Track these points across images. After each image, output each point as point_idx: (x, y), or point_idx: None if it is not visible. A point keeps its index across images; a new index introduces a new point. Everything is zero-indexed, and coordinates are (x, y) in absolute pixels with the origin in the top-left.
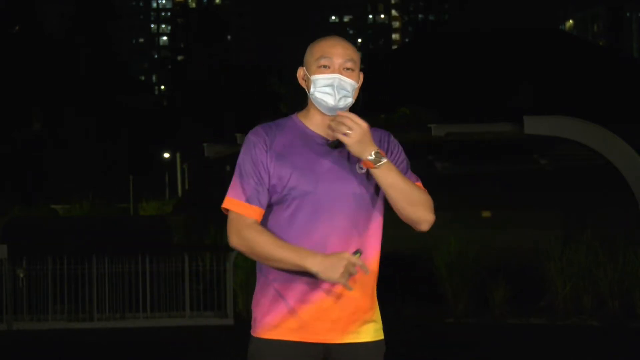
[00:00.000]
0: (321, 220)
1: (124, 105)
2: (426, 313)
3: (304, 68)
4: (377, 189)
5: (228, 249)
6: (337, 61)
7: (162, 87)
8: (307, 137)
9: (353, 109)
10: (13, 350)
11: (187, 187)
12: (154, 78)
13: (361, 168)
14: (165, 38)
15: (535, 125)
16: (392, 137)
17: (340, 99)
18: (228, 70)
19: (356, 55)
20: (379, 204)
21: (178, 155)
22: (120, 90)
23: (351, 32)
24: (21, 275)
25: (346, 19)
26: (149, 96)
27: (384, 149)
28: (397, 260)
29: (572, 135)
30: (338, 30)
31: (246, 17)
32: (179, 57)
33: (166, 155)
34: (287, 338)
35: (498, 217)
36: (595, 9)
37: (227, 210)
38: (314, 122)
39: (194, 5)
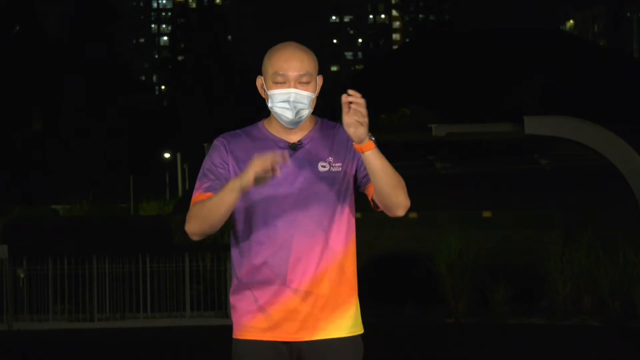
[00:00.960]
0: (285, 221)
1: (124, 105)
2: (426, 313)
3: (262, 78)
4: (341, 186)
5: (228, 249)
6: (292, 75)
7: (163, 87)
8: (269, 142)
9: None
10: (13, 350)
11: (187, 187)
12: (154, 78)
13: (324, 166)
14: (165, 38)
15: (536, 126)
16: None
17: (297, 112)
18: (228, 70)
19: (312, 66)
20: (346, 200)
21: (178, 155)
22: (120, 90)
23: (351, 32)
24: (22, 275)
25: (346, 19)
26: (150, 96)
27: (346, 139)
28: (397, 260)
29: (573, 135)
30: (338, 30)
31: (246, 17)
32: (179, 57)
33: (167, 155)
34: (260, 338)
35: (498, 217)
36: (596, 9)
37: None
38: (275, 128)
39: (194, 5)
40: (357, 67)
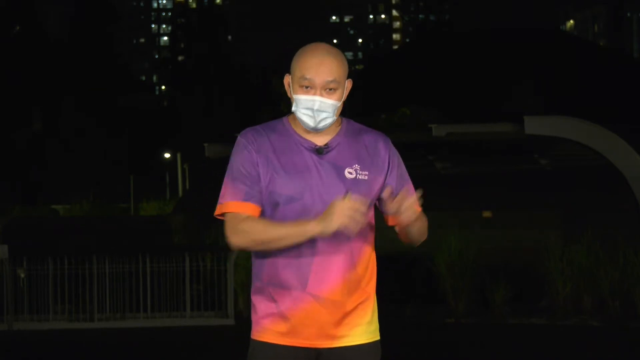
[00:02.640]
0: None
1: (124, 105)
2: (426, 313)
3: (290, 77)
4: (366, 194)
5: (228, 249)
6: (319, 82)
7: (163, 87)
8: (295, 142)
9: (352, 108)
10: (14, 350)
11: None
12: (154, 78)
13: (350, 173)
14: (165, 38)
15: (536, 126)
16: (392, 145)
17: (320, 121)
18: (228, 70)
19: (340, 73)
20: (370, 209)
21: (179, 155)
22: (120, 90)
23: (352, 32)
24: (22, 275)
25: (347, 19)
26: (150, 96)
27: (386, 157)
28: (397, 260)
29: (573, 135)
30: (338, 30)
31: (246, 17)
32: (179, 57)
33: (167, 155)
34: (278, 342)
35: (498, 217)
36: (596, 9)
37: (223, 214)
38: (301, 127)
39: (194, 5)
40: (357, 67)
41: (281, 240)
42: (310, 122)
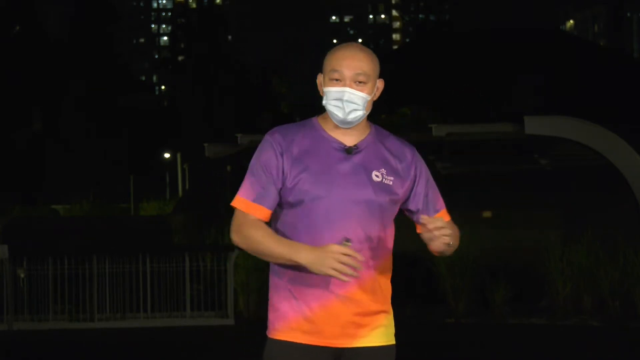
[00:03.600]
0: (333, 225)
1: (124, 105)
2: (426, 313)
3: (321, 76)
4: (391, 199)
5: (229, 248)
6: (348, 74)
7: (163, 87)
8: (324, 142)
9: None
10: (14, 350)
11: (187, 187)
12: (154, 78)
13: (377, 176)
14: (165, 38)
15: (536, 126)
16: (418, 153)
17: (349, 112)
18: (228, 70)
19: (370, 67)
20: (393, 213)
21: (179, 155)
22: (120, 90)
23: (352, 32)
24: (22, 275)
25: (347, 19)
26: (150, 96)
27: (413, 165)
28: (397, 260)
29: (573, 135)
30: (338, 30)
31: (246, 17)
32: (179, 58)
33: (167, 155)
34: (299, 340)
35: (498, 217)
36: (596, 9)
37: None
38: (331, 127)
39: (194, 5)
40: None
41: (273, 257)
42: (339, 114)
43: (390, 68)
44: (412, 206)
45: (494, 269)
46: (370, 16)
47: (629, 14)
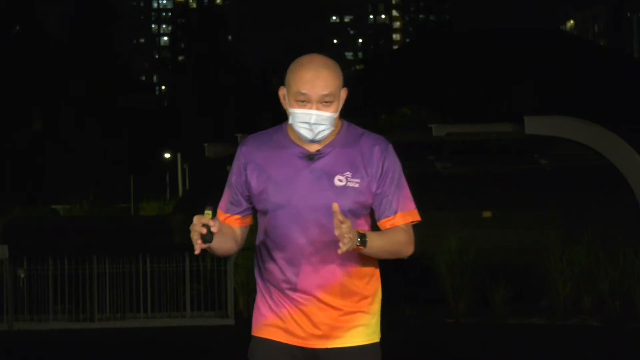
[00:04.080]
0: (296, 231)
1: (124, 105)
2: (426, 313)
3: (285, 89)
4: (356, 201)
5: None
6: (315, 96)
7: (163, 87)
8: (288, 150)
9: (351, 110)
10: (14, 350)
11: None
12: (154, 78)
13: (340, 180)
14: (165, 38)
15: (536, 126)
16: (390, 151)
17: (317, 133)
18: (228, 70)
19: (336, 85)
20: (361, 215)
21: (179, 155)
22: (120, 91)
23: (352, 32)
24: (22, 275)
25: (347, 19)
26: (150, 96)
27: (380, 163)
28: (397, 260)
29: (573, 135)
30: (338, 30)
31: (246, 17)
32: (180, 58)
33: (167, 155)
34: (276, 338)
35: (498, 217)
36: (596, 9)
37: None
38: (296, 135)
39: (194, 5)
40: (357, 67)
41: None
42: (308, 135)
43: (390, 68)
44: (371, 203)
45: (494, 269)
46: (370, 16)
47: (629, 14)
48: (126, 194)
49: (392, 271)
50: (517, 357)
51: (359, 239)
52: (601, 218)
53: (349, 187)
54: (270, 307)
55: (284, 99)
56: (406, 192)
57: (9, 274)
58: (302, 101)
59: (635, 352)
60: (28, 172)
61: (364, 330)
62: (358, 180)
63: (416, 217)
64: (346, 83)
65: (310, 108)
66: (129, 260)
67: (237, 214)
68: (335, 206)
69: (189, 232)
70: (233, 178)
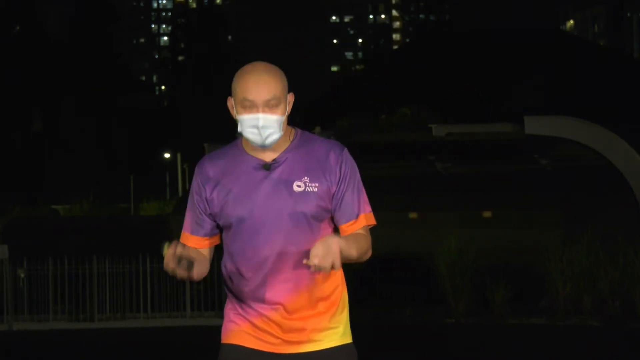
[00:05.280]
0: (259, 242)
1: (124, 105)
2: (426, 313)
3: (232, 99)
4: (318, 205)
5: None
6: (260, 101)
7: (163, 87)
8: (245, 162)
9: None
10: (14, 350)
11: (187, 187)
12: (154, 78)
13: (299, 186)
14: (165, 38)
15: (536, 126)
16: (346, 155)
17: (266, 137)
18: (228, 70)
19: (279, 88)
20: (324, 219)
21: (179, 155)
22: (120, 90)
23: (352, 32)
24: (22, 275)
25: (347, 19)
26: (150, 96)
27: (337, 167)
28: (397, 260)
29: (573, 135)
30: (338, 30)
31: (246, 17)
32: (179, 58)
33: (167, 155)
34: (245, 344)
35: (498, 217)
36: (596, 9)
37: None
38: (250, 146)
39: (194, 5)
40: (357, 67)
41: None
42: (257, 140)
43: (390, 68)
44: (331, 207)
45: (494, 269)
46: (370, 16)
47: (629, 14)
48: (126, 194)
49: (392, 271)
50: (517, 357)
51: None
52: (601, 218)
53: (308, 192)
54: (240, 314)
55: (232, 108)
56: (364, 195)
57: (9, 274)
58: (248, 107)
59: (635, 352)
60: (28, 172)
61: (335, 332)
62: (317, 184)
63: (374, 220)
64: (346, 83)
65: (257, 112)
66: (129, 260)
67: (204, 235)
68: (307, 262)
69: None
70: (194, 198)
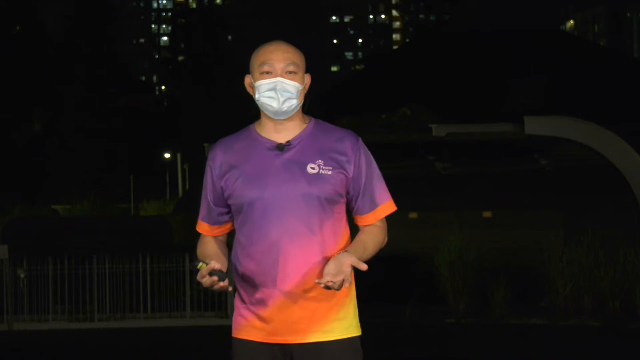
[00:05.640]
0: (272, 223)
1: (124, 105)
2: (426, 313)
3: (250, 75)
4: (332, 189)
5: (228, 249)
6: (279, 66)
7: (163, 87)
8: (258, 144)
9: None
10: (14, 350)
11: (187, 187)
12: (154, 78)
13: (313, 168)
14: (165, 38)
15: (536, 126)
16: (361, 143)
17: (284, 101)
18: (228, 70)
19: (298, 58)
20: (337, 203)
21: (179, 155)
22: (120, 90)
23: (352, 32)
24: (22, 275)
25: (347, 19)
26: (150, 96)
27: (353, 155)
28: (397, 260)
29: (573, 135)
30: (338, 30)
31: (247, 17)
32: (180, 58)
33: (167, 155)
34: (253, 338)
35: (498, 217)
36: (596, 9)
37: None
38: (265, 129)
39: (194, 5)
40: (357, 67)
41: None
42: (273, 104)
43: (390, 68)
44: (349, 196)
45: (494, 269)
46: (370, 16)
47: (628, 14)
48: (127, 194)
49: (392, 271)
50: (517, 357)
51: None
52: (601, 218)
53: (322, 174)
54: (248, 307)
55: (250, 86)
56: (383, 183)
57: (9, 274)
58: (267, 72)
59: (635, 352)
60: (28, 172)
61: (342, 324)
62: (330, 168)
63: (393, 207)
64: (346, 83)
65: (275, 76)
66: (129, 260)
67: (220, 223)
68: (319, 281)
69: (189, 232)
70: (208, 184)
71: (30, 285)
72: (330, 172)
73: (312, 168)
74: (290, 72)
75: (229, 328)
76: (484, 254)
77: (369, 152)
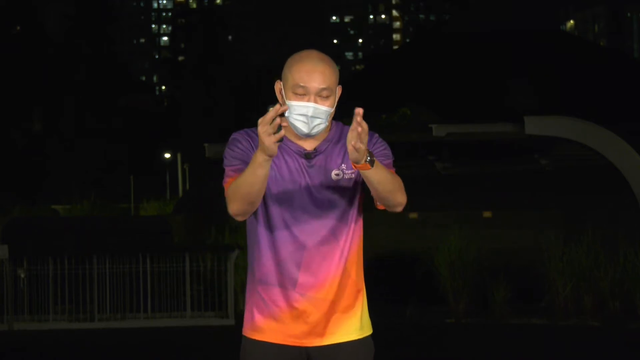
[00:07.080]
0: (298, 227)
1: (124, 105)
2: (426, 313)
3: (281, 83)
4: (354, 192)
5: (229, 249)
6: (313, 89)
7: (163, 87)
8: (285, 147)
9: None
10: (14, 350)
11: (187, 187)
12: (154, 78)
13: (337, 175)
14: (166, 38)
15: (536, 126)
16: (377, 137)
17: (313, 127)
18: (228, 70)
19: (333, 79)
20: (358, 205)
21: (179, 155)
22: (120, 90)
23: (352, 32)
24: (22, 275)
25: (347, 19)
26: (150, 96)
27: (371, 146)
28: (397, 260)
29: (573, 135)
30: (338, 30)
31: (247, 17)
32: (180, 58)
33: (167, 155)
34: (269, 340)
35: (498, 217)
36: (596, 9)
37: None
38: (290, 132)
39: (194, 5)
40: (357, 67)
41: (250, 184)
42: (304, 129)
43: (390, 68)
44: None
45: (494, 269)
46: (371, 16)
47: (629, 14)
48: (127, 194)
49: (392, 271)
50: (517, 357)
51: (368, 157)
52: (601, 218)
53: (345, 179)
54: (263, 307)
55: (280, 92)
56: (393, 170)
57: (9, 274)
58: (300, 94)
59: (635, 352)
60: (28, 172)
61: (357, 324)
62: (352, 171)
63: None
64: (346, 83)
65: (308, 100)
66: (129, 260)
67: None
68: (359, 110)
69: (189, 232)
70: (243, 149)
71: (30, 285)
72: (352, 175)
73: (337, 174)
74: (324, 97)
75: (229, 328)
76: (484, 254)
77: (385, 144)
